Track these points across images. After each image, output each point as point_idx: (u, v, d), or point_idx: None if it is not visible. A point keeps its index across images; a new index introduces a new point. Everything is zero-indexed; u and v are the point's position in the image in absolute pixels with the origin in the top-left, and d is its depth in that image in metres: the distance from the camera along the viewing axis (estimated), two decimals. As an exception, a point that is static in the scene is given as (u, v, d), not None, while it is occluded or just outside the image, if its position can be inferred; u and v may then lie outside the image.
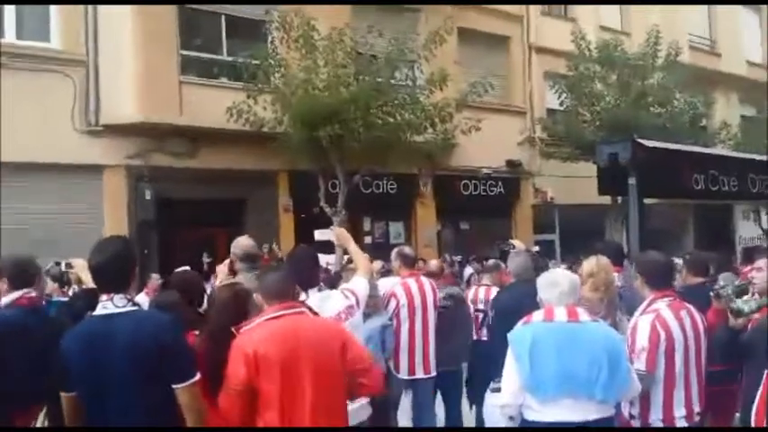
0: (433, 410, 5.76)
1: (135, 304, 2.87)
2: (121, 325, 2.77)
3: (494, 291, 6.29)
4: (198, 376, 2.83)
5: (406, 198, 14.11)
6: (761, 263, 4.34)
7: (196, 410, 2.80)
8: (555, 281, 3.50)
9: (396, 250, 6.02)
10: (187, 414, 2.78)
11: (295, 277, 3.51)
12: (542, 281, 3.57)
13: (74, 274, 4.91)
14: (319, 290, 4.18)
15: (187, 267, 5.57)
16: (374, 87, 10.29)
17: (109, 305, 2.81)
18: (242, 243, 4.62)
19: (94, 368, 2.74)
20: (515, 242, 6.85)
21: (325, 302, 3.97)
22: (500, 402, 3.53)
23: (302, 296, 4.04)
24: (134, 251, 3.04)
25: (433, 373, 5.54)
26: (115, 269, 2.85)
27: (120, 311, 2.80)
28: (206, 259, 9.69)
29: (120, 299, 2.81)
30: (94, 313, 2.88)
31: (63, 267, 4.78)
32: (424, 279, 5.73)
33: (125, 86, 10.74)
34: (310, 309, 3.36)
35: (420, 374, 5.57)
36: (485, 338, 6.07)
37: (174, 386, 2.76)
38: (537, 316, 3.47)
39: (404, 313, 5.51)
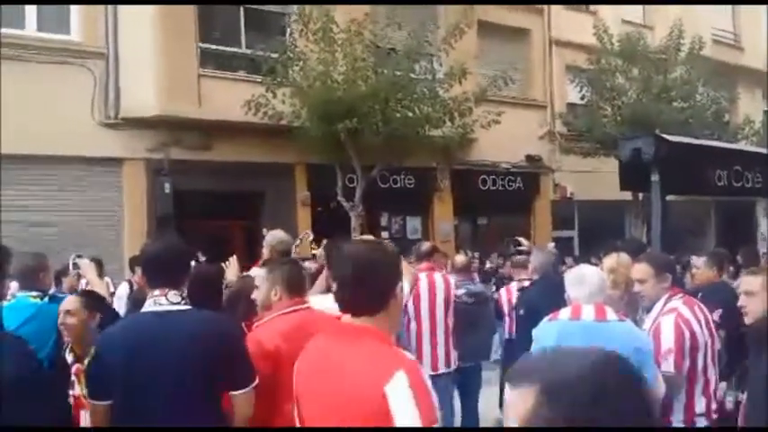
0: (447, 408, 5.63)
1: (188, 303, 2.67)
2: (179, 323, 2.57)
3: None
4: (257, 381, 2.67)
5: (424, 193, 14.03)
6: None
7: (245, 416, 2.65)
8: (583, 278, 3.42)
9: (414, 247, 6.04)
10: (237, 420, 2.63)
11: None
12: (570, 278, 3.49)
13: (74, 276, 4.88)
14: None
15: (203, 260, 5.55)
16: (393, 81, 10.23)
17: (162, 301, 2.61)
18: (279, 237, 4.57)
19: (141, 369, 2.49)
20: (522, 240, 6.78)
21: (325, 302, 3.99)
22: None
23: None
24: (189, 249, 2.86)
25: (443, 370, 5.44)
26: (173, 263, 2.67)
27: (175, 309, 2.61)
28: (201, 258, 9.67)
29: (174, 295, 2.63)
30: (144, 309, 2.66)
31: (70, 266, 4.73)
32: (437, 274, 5.65)
33: (144, 79, 10.76)
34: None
35: (428, 371, 5.47)
36: None
37: (232, 392, 2.59)
38: (564, 313, 3.40)
39: (411, 310, 5.44)
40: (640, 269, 3.84)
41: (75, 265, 4.28)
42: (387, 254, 2.13)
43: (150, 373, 2.51)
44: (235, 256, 4.50)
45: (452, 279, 5.89)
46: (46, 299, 4.08)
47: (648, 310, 3.91)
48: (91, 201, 10.71)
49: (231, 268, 4.38)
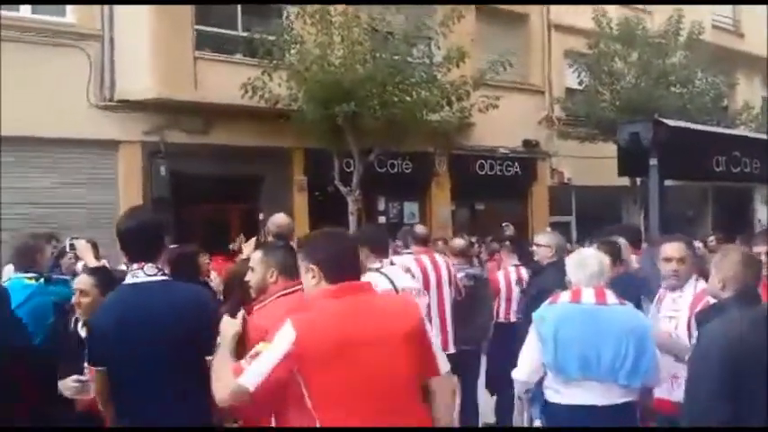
0: None
1: (165, 274, 2.78)
2: (159, 293, 2.69)
3: (523, 270, 6.37)
4: None
5: (422, 178, 14.01)
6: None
7: None
8: (584, 262, 3.42)
9: (403, 230, 6.06)
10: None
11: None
12: (571, 261, 3.49)
13: (72, 256, 4.87)
14: (391, 263, 4.46)
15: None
16: (390, 65, 10.16)
17: (140, 274, 2.72)
18: (277, 221, 4.61)
19: (127, 337, 2.62)
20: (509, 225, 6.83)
21: (393, 276, 4.22)
22: (516, 378, 3.48)
23: (376, 264, 4.31)
24: (163, 222, 2.94)
25: (451, 350, 5.45)
26: (146, 237, 2.76)
27: (154, 280, 2.71)
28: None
29: (150, 267, 2.73)
30: (124, 282, 2.80)
31: (67, 247, 4.73)
32: (438, 256, 5.66)
33: (140, 62, 10.67)
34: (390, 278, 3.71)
35: None
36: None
37: (209, 357, 2.64)
38: (564, 297, 3.40)
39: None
40: (680, 248, 3.88)
41: (72, 247, 4.27)
42: None
43: (134, 341, 2.62)
44: (254, 238, 4.68)
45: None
46: (41, 280, 4.06)
47: (672, 290, 3.91)
48: (87, 183, 10.67)
49: (248, 246, 4.49)
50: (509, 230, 6.62)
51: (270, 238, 4.51)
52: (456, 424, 5.89)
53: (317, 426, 2.29)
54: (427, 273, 5.36)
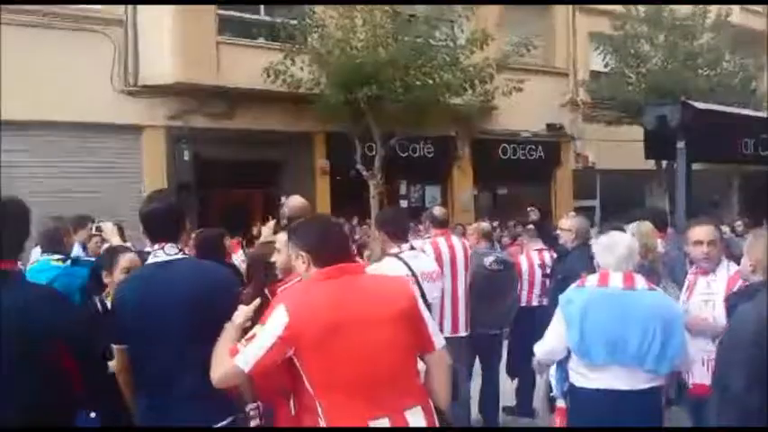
0: (464, 371, 5.52)
1: (185, 254, 2.83)
2: (181, 271, 2.73)
3: (546, 254, 6.31)
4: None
5: (444, 162, 13.94)
6: None
7: None
8: (612, 245, 3.36)
9: (425, 213, 6.02)
10: None
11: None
12: (600, 245, 3.44)
13: (98, 239, 4.91)
14: (411, 248, 4.39)
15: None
16: (413, 47, 10.09)
17: (160, 253, 2.78)
18: (292, 204, 4.60)
19: (150, 315, 2.67)
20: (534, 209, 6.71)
21: (413, 260, 4.20)
22: (535, 352, 3.47)
23: (394, 249, 4.31)
24: (183, 204, 3.04)
25: (462, 333, 5.42)
26: (167, 218, 2.82)
27: (175, 258, 2.77)
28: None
29: (171, 247, 2.78)
30: (147, 262, 2.86)
31: (93, 230, 4.78)
32: (455, 238, 5.60)
33: (163, 47, 10.72)
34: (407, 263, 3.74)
35: (447, 333, 5.43)
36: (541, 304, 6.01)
37: None
38: (591, 280, 3.36)
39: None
40: (710, 232, 3.84)
41: (99, 229, 4.30)
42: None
43: (155, 316, 2.67)
44: (274, 221, 4.73)
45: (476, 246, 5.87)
46: (68, 262, 4.11)
47: (705, 273, 3.86)
48: (111, 168, 10.78)
49: (267, 229, 4.58)
50: (534, 215, 6.51)
51: (285, 221, 4.51)
52: (474, 407, 5.90)
53: (319, 411, 2.34)
54: (441, 255, 5.31)
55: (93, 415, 2.91)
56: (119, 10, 10.80)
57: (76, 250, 4.92)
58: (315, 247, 2.49)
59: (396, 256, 4.28)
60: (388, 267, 4.10)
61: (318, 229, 2.63)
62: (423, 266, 4.31)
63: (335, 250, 2.52)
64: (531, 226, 6.71)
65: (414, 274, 4.10)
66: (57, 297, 2.52)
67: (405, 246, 4.39)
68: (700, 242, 3.84)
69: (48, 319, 2.29)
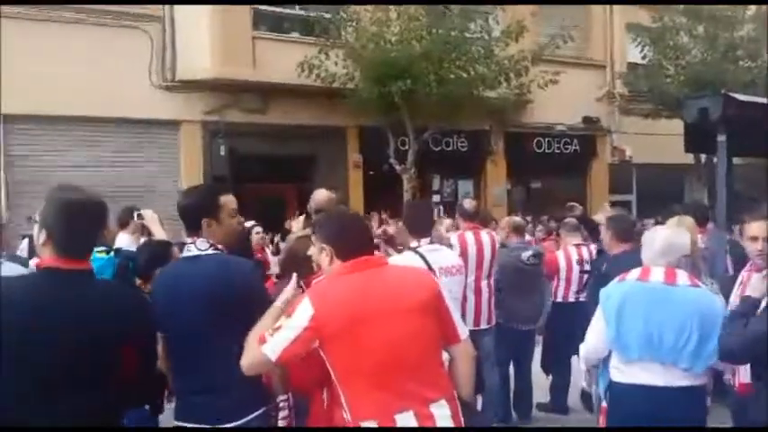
0: (489, 364, 5.44)
1: (218, 249, 2.85)
2: (203, 267, 2.78)
3: (584, 250, 6.21)
4: None
5: (477, 156, 13.86)
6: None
7: None
8: (653, 240, 3.32)
9: (457, 205, 6.00)
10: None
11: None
12: (644, 239, 3.40)
13: (138, 225, 5.00)
14: (430, 242, 4.35)
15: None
16: (447, 41, 10.04)
17: (192, 248, 2.83)
18: (317, 197, 4.63)
19: (176, 309, 2.74)
20: (575, 204, 6.60)
21: (432, 254, 4.19)
22: (582, 353, 3.44)
23: (413, 243, 4.30)
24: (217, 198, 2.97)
25: (484, 326, 5.38)
26: (200, 213, 2.85)
27: (203, 254, 2.81)
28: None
29: (202, 242, 2.82)
30: (181, 255, 2.94)
31: (135, 217, 4.87)
32: (484, 232, 5.56)
33: (200, 42, 10.84)
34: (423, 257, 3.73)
35: (469, 326, 5.38)
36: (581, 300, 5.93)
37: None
38: (633, 274, 3.32)
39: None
40: (766, 227, 3.72)
41: (140, 216, 4.39)
42: None
43: (182, 312, 2.73)
44: (303, 215, 4.78)
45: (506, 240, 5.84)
46: (111, 253, 4.20)
47: (759, 270, 3.75)
48: (149, 162, 10.97)
49: (297, 223, 4.64)
50: (577, 211, 6.42)
51: (313, 215, 4.54)
52: (505, 402, 5.87)
53: (343, 402, 2.37)
54: (467, 249, 5.28)
55: (147, 407, 2.99)
56: (156, 6, 10.93)
57: (126, 241, 5.04)
58: (337, 240, 2.53)
59: (414, 250, 4.26)
60: (404, 261, 4.09)
61: (339, 222, 2.67)
62: (441, 261, 4.27)
63: (357, 243, 2.55)
64: (568, 220, 6.63)
65: (430, 269, 4.07)
66: (126, 295, 2.56)
67: (424, 240, 4.34)
68: (755, 238, 3.73)
69: (119, 321, 2.30)
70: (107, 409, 2.29)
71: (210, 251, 2.83)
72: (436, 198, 13.46)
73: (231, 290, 2.70)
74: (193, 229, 2.86)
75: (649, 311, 3.15)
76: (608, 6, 15.35)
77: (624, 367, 3.22)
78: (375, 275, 2.48)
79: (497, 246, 5.55)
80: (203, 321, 2.70)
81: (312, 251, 3.19)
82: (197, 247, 2.82)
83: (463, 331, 2.61)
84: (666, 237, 3.33)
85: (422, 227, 4.40)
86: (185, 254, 2.87)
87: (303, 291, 2.91)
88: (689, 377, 3.16)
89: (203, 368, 2.74)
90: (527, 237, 7.19)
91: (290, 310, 2.43)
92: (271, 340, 2.37)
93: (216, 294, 2.69)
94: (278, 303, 2.60)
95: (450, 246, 5.05)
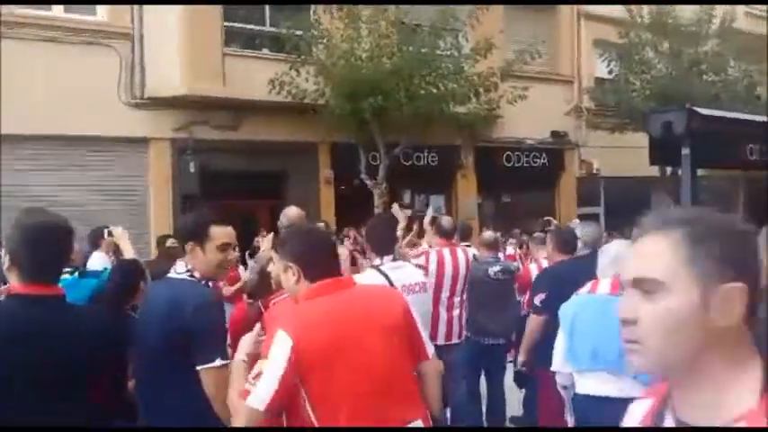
0: (456, 377, 5.36)
1: (193, 276, 2.78)
2: (166, 290, 2.77)
3: None
4: (220, 362, 2.56)
5: (448, 170, 13.96)
6: None
7: (211, 396, 2.54)
8: (604, 252, 3.44)
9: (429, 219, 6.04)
10: (212, 402, 2.54)
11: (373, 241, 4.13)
12: (599, 252, 3.50)
13: (110, 243, 4.96)
14: (393, 259, 4.22)
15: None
16: (418, 57, 10.14)
17: (172, 271, 2.83)
18: (289, 214, 4.60)
19: (142, 330, 2.78)
20: (551, 219, 6.71)
21: (395, 271, 4.07)
22: (553, 367, 3.50)
23: (376, 261, 4.20)
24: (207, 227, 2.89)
25: (455, 341, 5.40)
26: (187, 236, 2.85)
27: (175, 277, 2.80)
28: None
29: (181, 265, 2.81)
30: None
31: (105, 234, 4.81)
32: (460, 249, 5.61)
33: (170, 59, 10.78)
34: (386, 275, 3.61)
35: (441, 341, 5.26)
36: None
37: (197, 367, 2.56)
38: (585, 288, 3.41)
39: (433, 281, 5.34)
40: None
41: (110, 234, 4.34)
42: None
43: (143, 333, 2.77)
44: (272, 233, 4.66)
45: (472, 254, 5.88)
46: (76, 274, 4.14)
47: None
48: (117, 180, 10.84)
49: (267, 241, 4.52)
50: (552, 226, 6.51)
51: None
52: (483, 417, 5.90)
53: (314, 422, 2.25)
54: (443, 265, 5.32)
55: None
56: (125, 22, 10.87)
57: (101, 260, 4.97)
58: (305, 259, 2.42)
59: (376, 268, 4.16)
60: (367, 280, 3.98)
61: (307, 239, 2.56)
62: (404, 278, 4.13)
63: (326, 262, 2.46)
64: (537, 234, 6.72)
65: (392, 287, 3.98)
66: (99, 318, 2.52)
67: (387, 257, 4.20)
68: None
69: (90, 346, 2.27)
70: None
71: (185, 276, 2.77)
72: (408, 212, 13.45)
73: (178, 319, 2.59)
74: (182, 249, 2.86)
75: (595, 323, 3.22)
76: (575, 22, 15.63)
77: (579, 378, 3.31)
78: (347, 297, 2.40)
79: (470, 263, 5.61)
80: (157, 345, 2.68)
81: (274, 269, 3.14)
82: (175, 269, 2.81)
83: (431, 348, 2.59)
84: (615, 249, 3.43)
85: (384, 244, 4.27)
86: (168, 275, 2.87)
87: (261, 312, 2.89)
88: (641, 386, 3.21)
89: (159, 391, 2.70)
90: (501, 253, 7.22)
91: (263, 351, 2.29)
92: (255, 390, 2.20)
93: (166, 319, 2.64)
94: (241, 357, 2.43)
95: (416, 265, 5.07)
